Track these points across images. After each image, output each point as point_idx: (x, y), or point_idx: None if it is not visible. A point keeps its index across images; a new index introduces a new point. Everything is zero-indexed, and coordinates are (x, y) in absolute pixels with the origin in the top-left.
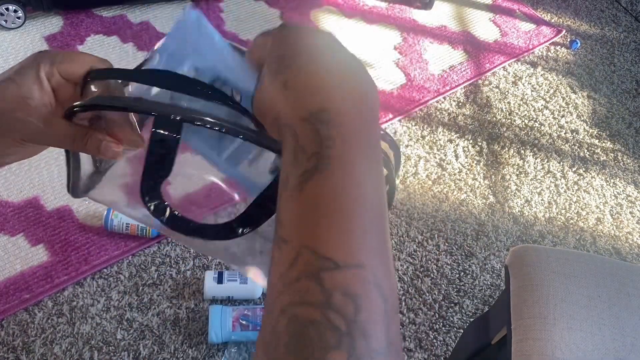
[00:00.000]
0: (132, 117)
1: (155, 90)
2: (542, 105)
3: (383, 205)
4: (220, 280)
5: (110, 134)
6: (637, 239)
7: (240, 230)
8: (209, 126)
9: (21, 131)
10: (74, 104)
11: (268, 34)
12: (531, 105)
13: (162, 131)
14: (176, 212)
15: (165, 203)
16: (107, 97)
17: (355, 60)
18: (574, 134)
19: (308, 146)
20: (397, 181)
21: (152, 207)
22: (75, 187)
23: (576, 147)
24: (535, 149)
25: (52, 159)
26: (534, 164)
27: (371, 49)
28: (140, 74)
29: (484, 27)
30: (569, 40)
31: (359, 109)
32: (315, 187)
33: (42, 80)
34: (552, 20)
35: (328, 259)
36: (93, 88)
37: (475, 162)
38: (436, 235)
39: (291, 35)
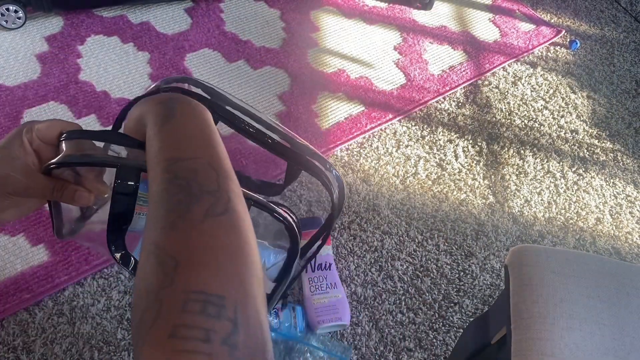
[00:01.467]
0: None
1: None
2: (541, 105)
3: (210, 129)
4: None
5: (82, 185)
6: (636, 238)
7: None
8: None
9: (10, 185)
10: (48, 162)
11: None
12: (531, 105)
13: (122, 181)
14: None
15: (130, 253)
16: (75, 155)
17: None
18: (574, 134)
19: (161, 110)
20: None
21: (118, 257)
22: (59, 230)
23: (576, 147)
24: (534, 149)
25: None
26: (534, 164)
27: (371, 49)
28: (96, 134)
29: (483, 27)
30: (568, 40)
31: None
32: (169, 126)
33: (25, 144)
34: (552, 21)
35: (176, 158)
36: (63, 147)
37: (475, 162)
38: (436, 235)
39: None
